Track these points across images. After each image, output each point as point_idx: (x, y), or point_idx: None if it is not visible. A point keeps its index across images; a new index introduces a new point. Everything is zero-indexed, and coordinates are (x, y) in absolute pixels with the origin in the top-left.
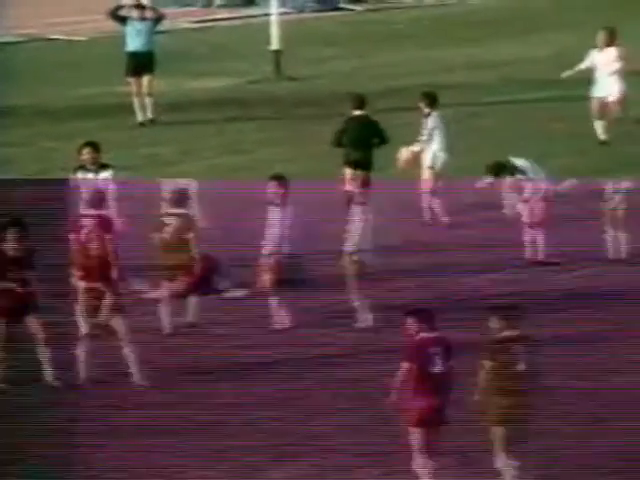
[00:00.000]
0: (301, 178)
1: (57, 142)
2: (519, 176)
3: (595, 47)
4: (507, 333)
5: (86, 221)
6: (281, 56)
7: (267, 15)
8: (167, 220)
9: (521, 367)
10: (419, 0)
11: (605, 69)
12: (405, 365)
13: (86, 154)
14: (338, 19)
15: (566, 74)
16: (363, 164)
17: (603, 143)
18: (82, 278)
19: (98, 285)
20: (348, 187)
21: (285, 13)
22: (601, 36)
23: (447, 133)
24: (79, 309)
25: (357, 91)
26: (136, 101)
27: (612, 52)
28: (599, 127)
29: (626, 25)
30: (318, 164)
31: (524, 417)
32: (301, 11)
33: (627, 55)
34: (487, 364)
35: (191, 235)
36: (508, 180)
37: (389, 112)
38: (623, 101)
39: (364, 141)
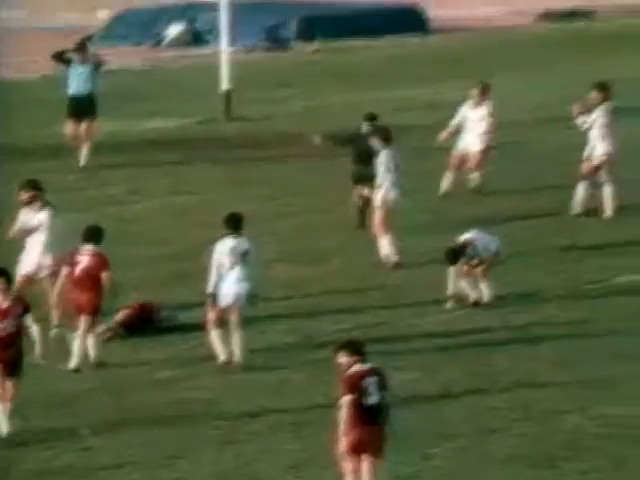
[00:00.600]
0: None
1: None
2: (471, 251)
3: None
4: (357, 367)
5: (81, 257)
6: (231, 96)
7: (217, 54)
8: (79, 258)
9: (373, 400)
10: (370, 39)
11: (474, 125)
12: (347, 398)
13: (23, 194)
14: (290, 58)
15: (442, 137)
16: (368, 179)
17: (444, 196)
18: (74, 312)
19: (87, 319)
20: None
21: (235, 52)
22: (474, 91)
23: (400, 170)
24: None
25: (310, 132)
26: (77, 144)
27: (483, 108)
28: (446, 180)
29: (571, 66)
30: (268, 206)
31: (379, 449)
32: (252, 50)
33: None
34: (343, 399)
35: (103, 274)
36: (464, 268)
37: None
38: (485, 157)
39: (369, 157)
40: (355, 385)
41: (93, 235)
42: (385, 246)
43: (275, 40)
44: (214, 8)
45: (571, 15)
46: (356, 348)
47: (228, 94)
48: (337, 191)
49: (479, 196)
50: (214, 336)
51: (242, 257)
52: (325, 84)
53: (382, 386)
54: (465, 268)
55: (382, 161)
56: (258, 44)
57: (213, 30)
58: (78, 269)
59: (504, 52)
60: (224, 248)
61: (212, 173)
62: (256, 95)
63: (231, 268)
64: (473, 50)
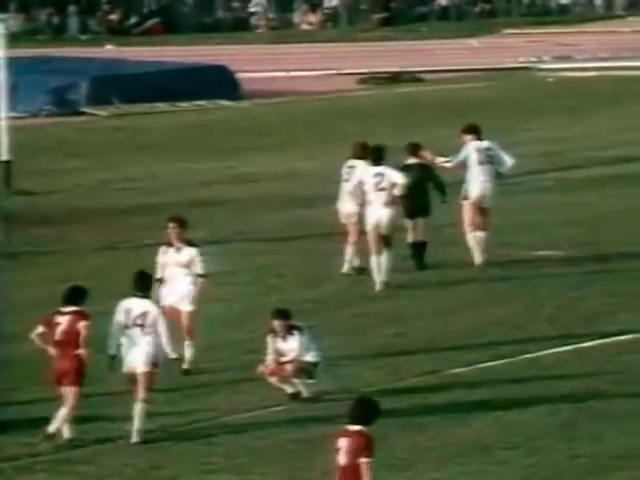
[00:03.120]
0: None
1: None
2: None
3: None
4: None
5: (61, 318)
6: (11, 167)
7: None
8: (59, 319)
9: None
10: (174, 104)
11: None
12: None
13: None
14: (80, 125)
15: None
16: (422, 211)
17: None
18: (57, 382)
19: (69, 390)
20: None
21: (16, 118)
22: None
23: None
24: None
25: (104, 207)
26: None
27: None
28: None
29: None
30: (57, 291)
31: None
32: (36, 115)
33: None
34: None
35: (82, 324)
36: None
37: (142, 230)
38: None
39: (421, 188)
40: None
41: (75, 296)
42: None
43: (63, 104)
44: None
45: (395, 79)
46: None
47: (8, 165)
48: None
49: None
50: None
51: (141, 320)
52: (122, 154)
53: (353, 452)
54: (273, 366)
55: None
56: (43, 108)
57: None
58: (58, 332)
59: (323, 120)
60: (120, 308)
61: None
62: (41, 166)
63: (130, 331)
64: (288, 118)
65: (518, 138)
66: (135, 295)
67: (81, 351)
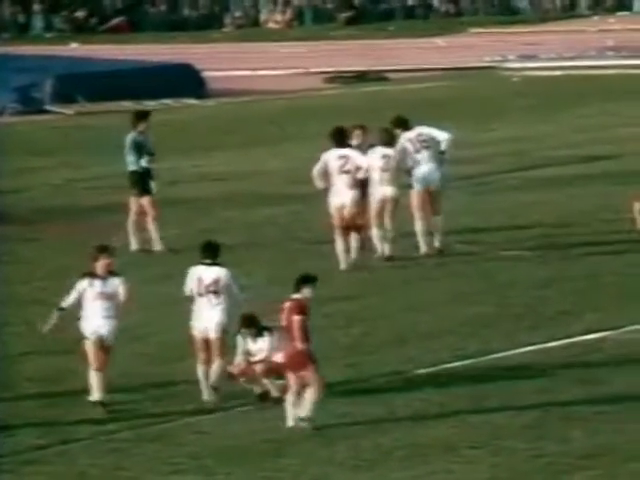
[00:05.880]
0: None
1: None
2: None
3: None
4: None
5: (287, 304)
6: None
7: None
8: (285, 305)
9: None
10: (139, 102)
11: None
12: None
13: None
14: (45, 123)
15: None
16: None
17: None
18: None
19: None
20: None
21: None
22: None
23: None
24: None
25: (69, 206)
26: None
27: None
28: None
29: None
30: (19, 290)
31: None
32: (0, 113)
33: None
34: None
35: (295, 318)
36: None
37: (108, 230)
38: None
39: None
40: None
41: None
42: None
43: (27, 102)
44: None
45: (362, 78)
46: None
47: None
48: None
49: None
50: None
51: (214, 287)
52: (87, 153)
53: None
54: (242, 366)
55: None
56: (8, 106)
57: None
58: (283, 317)
59: (290, 119)
60: (191, 276)
61: None
62: (6, 165)
63: (203, 298)
64: (254, 117)
65: (484, 137)
66: (203, 263)
67: (298, 344)
